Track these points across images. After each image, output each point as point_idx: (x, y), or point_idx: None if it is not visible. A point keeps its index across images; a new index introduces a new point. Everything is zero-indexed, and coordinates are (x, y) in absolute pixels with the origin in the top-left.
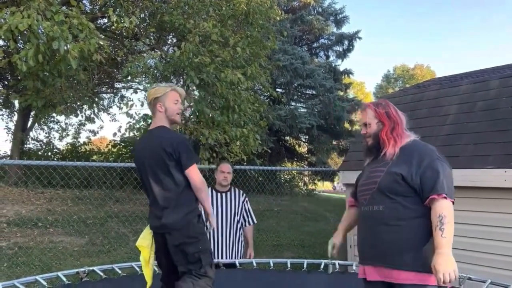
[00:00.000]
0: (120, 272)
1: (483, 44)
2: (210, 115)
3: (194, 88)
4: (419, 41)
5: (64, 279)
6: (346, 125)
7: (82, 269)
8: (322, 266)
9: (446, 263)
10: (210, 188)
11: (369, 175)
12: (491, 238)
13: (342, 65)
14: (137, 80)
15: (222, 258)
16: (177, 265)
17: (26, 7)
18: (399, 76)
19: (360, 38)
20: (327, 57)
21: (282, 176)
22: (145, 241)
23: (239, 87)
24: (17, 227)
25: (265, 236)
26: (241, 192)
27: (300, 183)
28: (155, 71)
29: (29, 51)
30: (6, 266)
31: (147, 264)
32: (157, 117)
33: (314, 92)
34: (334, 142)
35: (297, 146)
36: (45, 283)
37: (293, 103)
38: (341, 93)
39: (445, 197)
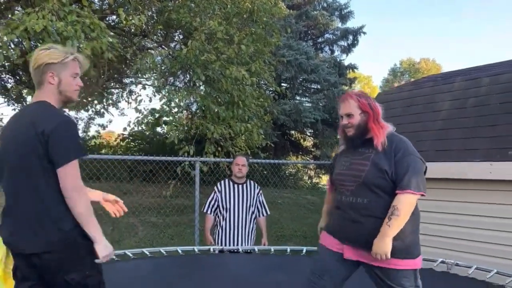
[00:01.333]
0: (131, 255)
1: (491, 37)
2: (216, 110)
3: (201, 83)
4: (427, 35)
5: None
6: None
7: None
8: None
9: (381, 246)
10: (227, 179)
11: (351, 166)
12: (478, 227)
13: (347, 60)
14: (145, 76)
15: (238, 245)
16: None
17: (40, 8)
18: (405, 69)
19: (364, 33)
20: (332, 52)
21: (286, 170)
22: None
23: (244, 83)
24: None
25: (268, 227)
26: (256, 185)
27: (305, 177)
28: (163, 67)
29: None
30: None
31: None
32: (44, 89)
33: (318, 86)
34: (339, 136)
35: (302, 140)
36: None
37: (298, 98)
38: (346, 88)
39: (410, 192)
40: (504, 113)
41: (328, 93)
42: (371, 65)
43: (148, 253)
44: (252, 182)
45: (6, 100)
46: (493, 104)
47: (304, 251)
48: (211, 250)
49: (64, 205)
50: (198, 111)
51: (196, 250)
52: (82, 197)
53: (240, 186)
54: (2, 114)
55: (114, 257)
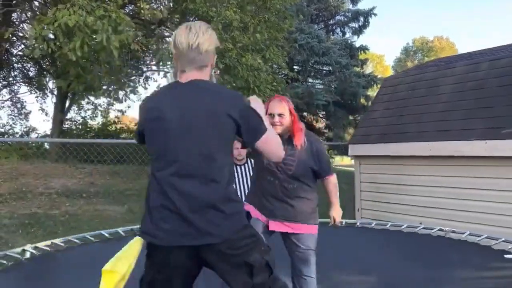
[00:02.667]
0: None
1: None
2: None
3: (218, 72)
4: (441, 12)
5: (122, 233)
6: (362, 100)
7: (127, 228)
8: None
9: (338, 213)
10: None
11: (282, 160)
12: (473, 199)
13: (358, 41)
14: (168, 64)
15: None
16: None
17: (72, 4)
18: (418, 48)
19: (375, 14)
20: (343, 33)
21: None
22: (121, 264)
23: (259, 70)
24: (65, 198)
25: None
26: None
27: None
28: None
29: (76, 43)
30: (61, 230)
31: None
32: (206, 71)
33: (330, 69)
34: (351, 117)
35: (314, 122)
36: (107, 235)
37: (310, 80)
38: (358, 69)
39: (332, 175)
40: (501, 95)
41: (339, 75)
42: (384, 44)
43: None
44: (251, 160)
45: (29, 88)
46: (490, 87)
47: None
48: None
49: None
50: None
51: None
52: None
53: (240, 167)
54: (26, 102)
55: None
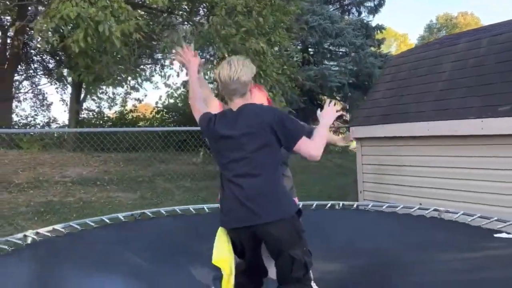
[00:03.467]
0: (164, 213)
1: None
2: None
3: (226, 56)
4: None
5: (123, 218)
6: None
7: (136, 212)
8: (328, 205)
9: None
10: None
11: None
12: (471, 178)
13: (374, 21)
14: (174, 51)
15: None
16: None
17: None
18: (442, 25)
19: None
20: (359, 13)
21: None
22: (221, 250)
23: (265, 54)
24: (80, 186)
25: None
26: None
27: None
28: (187, 43)
29: (79, 34)
30: (75, 217)
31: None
32: (246, 97)
33: (345, 50)
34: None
35: None
36: (108, 221)
37: (326, 63)
38: (374, 49)
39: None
40: (499, 72)
41: (354, 56)
42: (407, 23)
43: (179, 211)
44: None
45: (49, 80)
46: (490, 64)
47: (329, 205)
48: None
49: None
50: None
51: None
52: None
53: None
54: (47, 93)
55: (150, 214)
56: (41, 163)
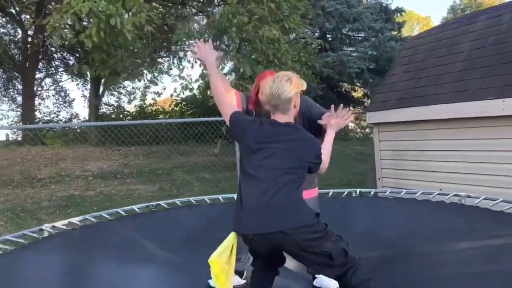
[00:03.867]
0: (180, 204)
1: None
2: (251, 71)
3: (236, 47)
4: None
5: (138, 210)
6: None
7: (151, 203)
8: (345, 193)
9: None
10: None
11: None
12: (489, 161)
13: (393, 3)
14: (187, 43)
15: None
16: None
17: None
18: (466, 6)
19: None
20: None
21: None
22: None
23: (279, 42)
24: (101, 179)
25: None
26: None
27: (355, 127)
28: (199, 36)
29: (92, 29)
30: (95, 210)
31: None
32: (290, 113)
33: (364, 35)
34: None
35: (353, 92)
36: (123, 213)
37: (345, 48)
38: (394, 33)
39: None
40: None
41: (374, 41)
42: (429, 4)
43: (194, 201)
44: None
45: (69, 76)
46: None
47: (346, 192)
48: None
49: None
50: (234, 73)
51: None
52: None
53: None
54: (68, 90)
55: (165, 206)
56: (62, 158)
